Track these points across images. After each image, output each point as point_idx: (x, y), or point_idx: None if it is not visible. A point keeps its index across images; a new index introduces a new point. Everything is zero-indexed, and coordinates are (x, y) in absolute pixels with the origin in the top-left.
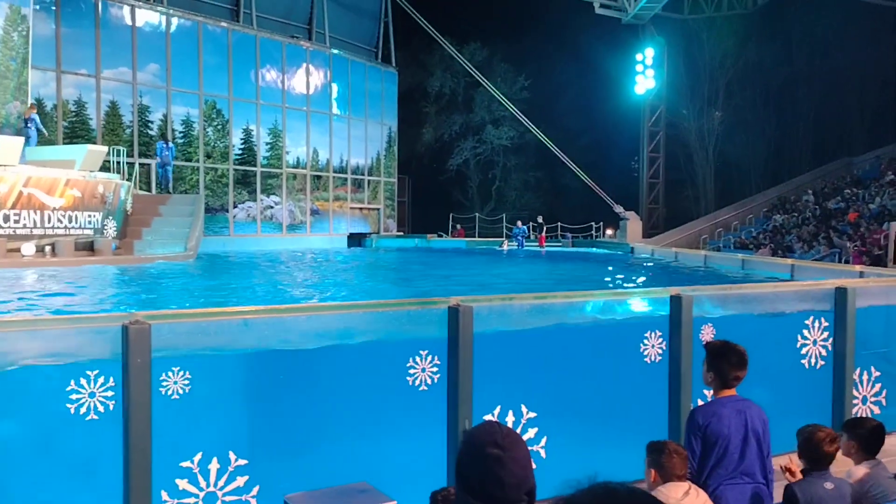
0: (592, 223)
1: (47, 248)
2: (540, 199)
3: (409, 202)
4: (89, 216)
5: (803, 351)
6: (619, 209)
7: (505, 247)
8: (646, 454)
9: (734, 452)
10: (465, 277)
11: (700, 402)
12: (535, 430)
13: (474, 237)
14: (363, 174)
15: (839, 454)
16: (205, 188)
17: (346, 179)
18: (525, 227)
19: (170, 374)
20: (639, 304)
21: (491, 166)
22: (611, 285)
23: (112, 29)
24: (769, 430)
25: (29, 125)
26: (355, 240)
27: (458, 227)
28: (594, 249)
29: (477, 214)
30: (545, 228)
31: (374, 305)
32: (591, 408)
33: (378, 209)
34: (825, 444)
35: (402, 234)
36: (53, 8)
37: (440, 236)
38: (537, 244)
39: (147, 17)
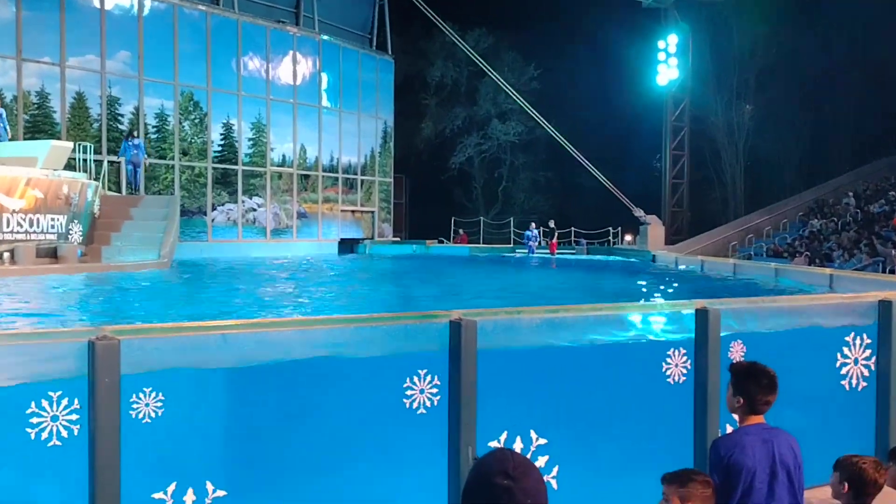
0: (609, 228)
1: (6, 255)
2: (551, 202)
3: (406, 204)
4: (52, 219)
5: (843, 371)
6: (638, 213)
7: (528, 253)
8: (663, 486)
9: (761, 487)
10: (468, 288)
11: (729, 428)
12: (546, 458)
13: (478, 243)
14: (356, 173)
15: (885, 486)
16: (180, 189)
17: (336, 179)
18: (536, 230)
19: (141, 395)
20: (661, 319)
21: (497, 164)
22: (630, 297)
23: (78, 12)
24: (802, 461)
25: None
26: (347, 246)
27: (461, 231)
28: (611, 257)
29: (482, 218)
30: (556, 234)
31: (367, 320)
32: (609, 434)
33: (372, 212)
34: (871, 472)
35: (398, 239)
36: None
37: (441, 242)
38: (548, 251)
39: (117, 0)
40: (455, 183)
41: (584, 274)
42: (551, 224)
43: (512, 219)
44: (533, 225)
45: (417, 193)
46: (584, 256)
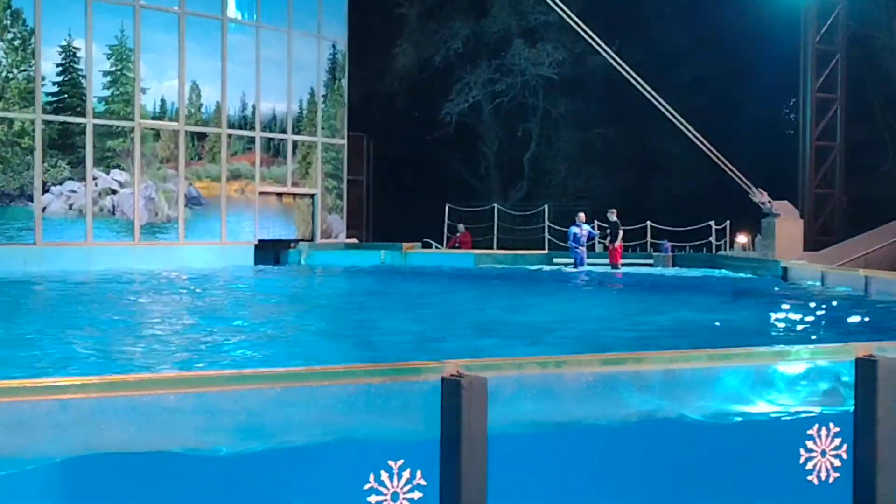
0: (711, 223)
1: None
2: (612, 179)
3: (369, 183)
4: None
5: None
6: (759, 197)
7: (574, 268)
8: None
9: None
10: (471, 327)
11: None
12: None
13: (490, 248)
14: (284, 131)
15: None
16: None
17: (252, 141)
18: (587, 226)
19: None
20: (795, 376)
21: (521, 116)
22: (742, 339)
23: None
24: None
25: None
26: (269, 253)
27: (461, 229)
28: (712, 272)
29: (495, 206)
30: (622, 233)
31: (303, 376)
32: None
33: (312, 196)
34: None
35: (356, 241)
36: None
37: (427, 247)
38: (607, 261)
39: None
40: (451, 147)
41: (664, 301)
42: (612, 216)
43: (546, 206)
44: (582, 217)
45: (388, 165)
46: (668, 271)
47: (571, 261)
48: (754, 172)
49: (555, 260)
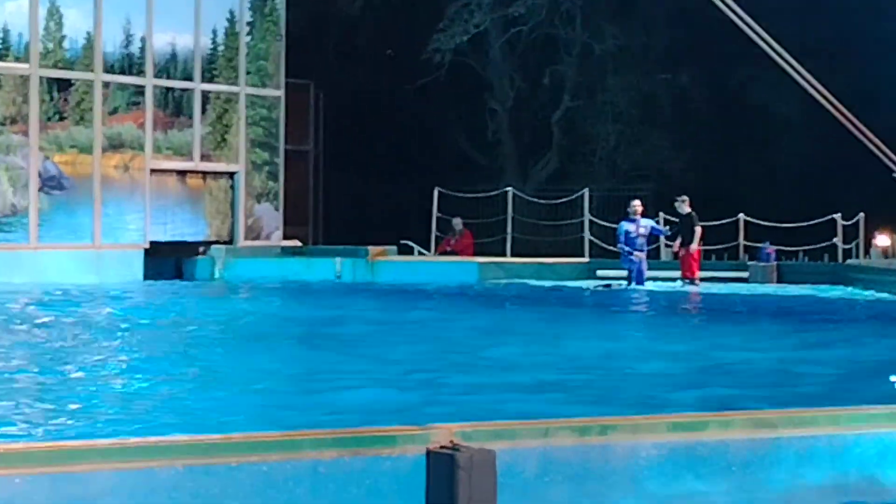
0: (836, 217)
1: None
2: (686, 151)
3: (318, 156)
4: None
5: None
6: None
7: (618, 286)
8: None
9: None
10: (479, 378)
11: None
12: None
13: (501, 254)
14: (189, 78)
15: None
16: None
17: (141, 92)
18: (651, 221)
19: None
20: None
21: (548, 55)
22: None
23: None
24: None
25: None
26: (166, 263)
27: (458, 225)
28: (838, 290)
29: (510, 190)
30: (699, 231)
31: (217, 448)
32: None
33: (232, 175)
34: None
35: (298, 244)
36: None
37: (407, 252)
38: (679, 272)
39: None
40: (443, 101)
41: (764, 335)
42: (684, 207)
43: (586, 191)
44: (638, 208)
45: (348, 129)
46: (770, 288)
47: (624, 273)
48: None
49: (599, 273)
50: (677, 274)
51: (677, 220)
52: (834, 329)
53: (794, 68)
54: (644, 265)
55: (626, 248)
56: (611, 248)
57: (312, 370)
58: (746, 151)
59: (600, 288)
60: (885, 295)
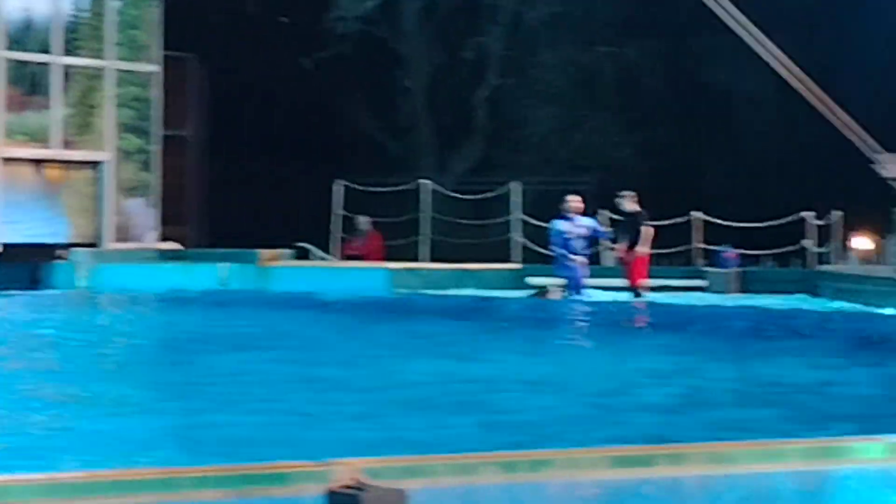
0: (808, 216)
1: None
2: (634, 137)
3: (201, 144)
4: None
5: None
6: (887, 168)
7: (555, 293)
8: None
9: None
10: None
11: None
12: None
13: (412, 258)
14: (46, 50)
15: None
16: None
17: None
18: (592, 220)
19: None
20: None
21: (471, 24)
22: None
23: None
24: None
25: None
26: (19, 269)
27: (364, 225)
28: (811, 301)
29: (427, 184)
30: (646, 232)
31: (79, 487)
32: None
33: (99, 164)
34: None
35: (177, 247)
36: None
37: (304, 257)
38: (625, 278)
39: None
40: (348, 79)
41: (727, 356)
42: (629, 203)
43: (517, 185)
44: (573, 203)
45: (236, 111)
46: (730, 299)
47: (560, 282)
48: (885, 126)
49: (530, 280)
50: (622, 283)
51: (622, 219)
52: (797, 349)
53: (759, 41)
54: (582, 272)
55: (562, 252)
56: (545, 251)
57: (190, 396)
58: (705, 137)
59: (534, 297)
60: (860, 307)
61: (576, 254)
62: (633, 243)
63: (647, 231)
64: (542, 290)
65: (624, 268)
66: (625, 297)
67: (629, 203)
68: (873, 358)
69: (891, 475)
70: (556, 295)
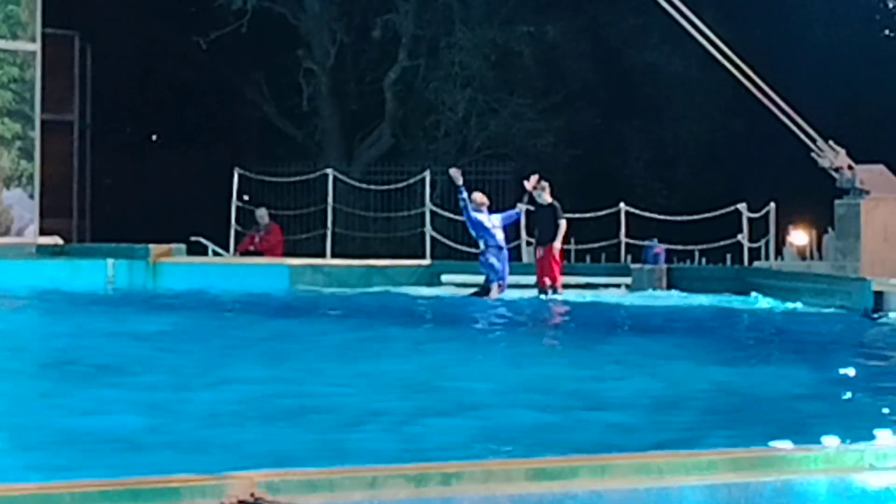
0: (741, 208)
1: None
2: (553, 121)
3: (84, 129)
4: None
5: None
6: (832, 159)
7: (495, 293)
8: None
9: None
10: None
11: None
12: None
13: (321, 255)
14: None
15: None
16: None
17: None
18: (514, 212)
19: None
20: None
21: (378, 4)
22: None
23: None
24: None
25: None
26: None
27: (263, 218)
28: (742, 300)
29: (331, 173)
30: (562, 226)
31: None
32: None
33: None
34: None
35: (58, 241)
36: None
37: (199, 252)
38: (535, 278)
39: None
40: (244, 59)
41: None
42: (543, 195)
43: (428, 175)
44: (479, 197)
45: (122, 94)
46: (658, 297)
47: (479, 279)
48: (823, 115)
49: (444, 277)
50: (531, 278)
51: (534, 208)
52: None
53: (689, 19)
54: (506, 267)
55: (487, 243)
56: (459, 246)
57: (70, 403)
58: (632, 123)
59: (454, 293)
60: (795, 306)
61: (497, 246)
62: (546, 238)
63: (562, 224)
64: (484, 289)
65: (537, 264)
66: (545, 296)
67: (544, 194)
68: (806, 360)
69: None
70: (495, 293)
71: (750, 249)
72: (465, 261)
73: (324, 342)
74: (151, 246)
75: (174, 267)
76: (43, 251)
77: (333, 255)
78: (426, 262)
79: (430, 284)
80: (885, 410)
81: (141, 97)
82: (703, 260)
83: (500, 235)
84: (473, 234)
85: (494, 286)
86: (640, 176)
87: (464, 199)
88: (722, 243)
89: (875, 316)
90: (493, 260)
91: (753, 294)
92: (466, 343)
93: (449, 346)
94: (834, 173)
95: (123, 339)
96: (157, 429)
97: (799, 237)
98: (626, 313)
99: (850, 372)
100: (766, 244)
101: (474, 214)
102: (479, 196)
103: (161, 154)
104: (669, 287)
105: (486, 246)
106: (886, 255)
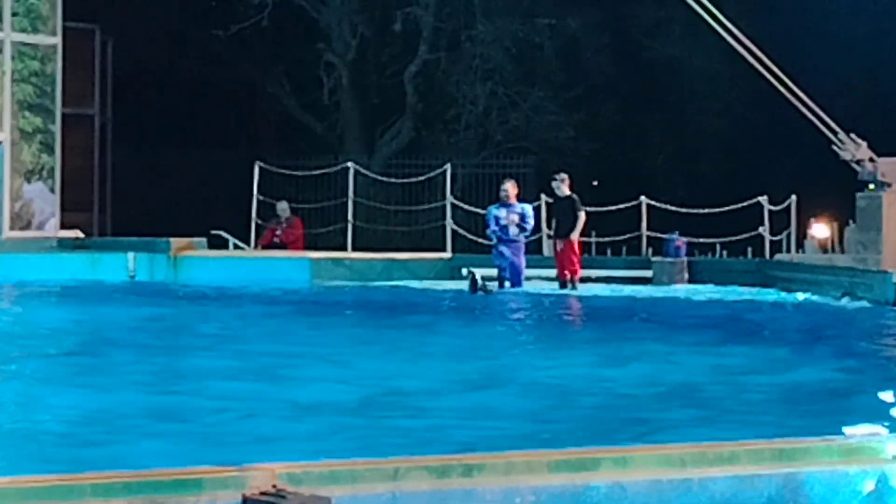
0: (762, 201)
1: None
2: (574, 116)
3: (106, 123)
4: None
5: None
6: (854, 152)
7: (485, 287)
8: None
9: None
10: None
11: None
12: None
13: (342, 249)
14: None
15: None
16: None
17: None
18: (529, 206)
19: None
20: None
21: None
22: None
23: None
24: None
25: None
26: None
27: (284, 211)
28: (763, 293)
29: (351, 167)
30: (581, 218)
31: None
32: None
33: None
34: None
35: (79, 235)
36: None
37: (220, 246)
38: (556, 272)
39: None
40: (265, 52)
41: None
42: (562, 187)
43: (449, 168)
44: (510, 189)
45: (143, 87)
46: (679, 290)
47: (495, 272)
48: (845, 107)
49: (464, 270)
50: (552, 271)
51: (552, 201)
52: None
53: (711, 12)
54: (522, 262)
55: (501, 239)
56: (480, 239)
57: (96, 399)
58: (652, 117)
59: (477, 290)
60: (816, 298)
61: (514, 241)
62: (565, 231)
63: (581, 219)
64: (482, 285)
65: (556, 257)
66: (565, 289)
67: (563, 186)
68: (829, 351)
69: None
70: (492, 289)
71: (771, 242)
72: (486, 254)
73: (350, 338)
74: (172, 239)
75: (195, 260)
76: (64, 245)
77: (354, 249)
78: (447, 255)
79: (451, 277)
80: None
81: (161, 91)
82: (725, 253)
83: (512, 230)
84: (489, 229)
85: (502, 283)
86: (661, 169)
87: (494, 234)
88: (743, 236)
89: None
90: (506, 254)
91: (774, 287)
92: (488, 336)
93: (476, 340)
94: (855, 166)
95: (142, 329)
96: (177, 419)
97: (820, 230)
98: (648, 308)
99: (874, 363)
100: (788, 237)
101: (494, 214)
102: (509, 187)
103: (181, 148)
104: (691, 280)
105: (505, 240)
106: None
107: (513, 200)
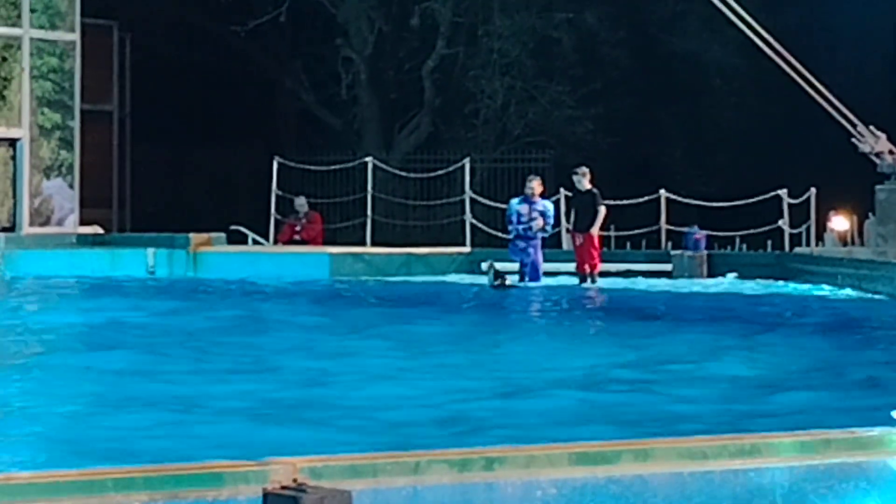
0: (781, 194)
1: None
2: (593, 109)
3: (124, 118)
4: None
5: None
6: (873, 145)
7: (505, 281)
8: None
9: None
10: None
11: None
12: None
13: (361, 244)
14: None
15: None
16: None
17: None
18: (549, 202)
19: None
20: None
21: None
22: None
23: None
24: None
25: None
26: None
27: (302, 207)
28: (782, 286)
29: (370, 161)
30: (601, 213)
31: None
32: None
33: (15, 142)
34: None
35: (99, 231)
36: None
37: (240, 242)
38: (575, 265)
39: None
40: (282, 49)
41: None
42: (583, 181)
43: (468, 163)
44: (535, 186)
45: (162, 83)
46: (697, 284)
47: (515, 267)
48: (863, 99)
49: (484, 265)
50: (571, 265)
51: (572, 195)
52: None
53: (728, 5)
54: (539, 257)
55: (521, 234)
56: (499, 233)
57: (117, 392)
58: (670, 110)
59: (496, 284)
60: (837, 293)
61: (534, 237)
62: (585, 225)
63: (601, 213)
64: (500, 280)
65: (576, 251)
66: (585, 283)
67: (584, 180)
68: (854, 343)
69: (869, 469)
70: (511, 283)
71: (791, 235)
72: (506, 248)
73: (372, 333)
74: (191, 235)
75: (214, 256)
76: (83, 241)
77: (373, 244)
78: (466, 249)
79: (470, 272)
80: None
81: (180, 86)
82: (744, 246)
83: (534, 224)
84: (510, 224)
85: (523, 278)
86: (679, 163)
87: (515, 230)
88: (762, 229)
89: None
90: (525, 249)
91: (794, 280)
92: (513, 330)
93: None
94: (875, 158)
95: (162, 326)
96: (198, 414)
97: (840, 223)
98: (668, 302)
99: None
100: (807, 230)
101: (515, 209)
102: (535, 185)
103: (200, 143)
104: (710, 273)
105: (525, 235)
106: None
107: (536, 198)
